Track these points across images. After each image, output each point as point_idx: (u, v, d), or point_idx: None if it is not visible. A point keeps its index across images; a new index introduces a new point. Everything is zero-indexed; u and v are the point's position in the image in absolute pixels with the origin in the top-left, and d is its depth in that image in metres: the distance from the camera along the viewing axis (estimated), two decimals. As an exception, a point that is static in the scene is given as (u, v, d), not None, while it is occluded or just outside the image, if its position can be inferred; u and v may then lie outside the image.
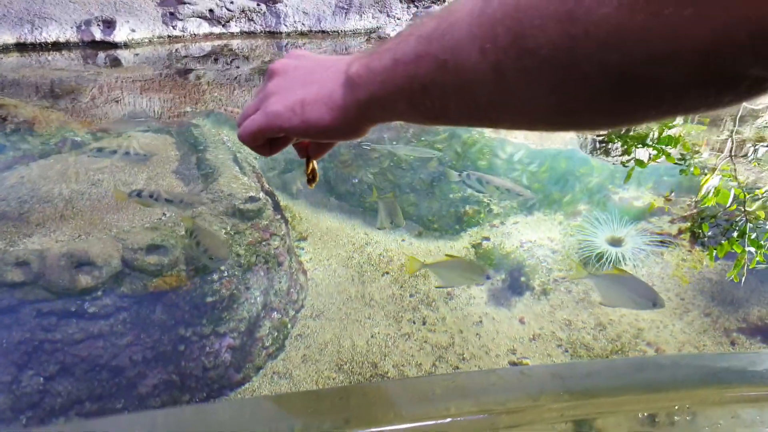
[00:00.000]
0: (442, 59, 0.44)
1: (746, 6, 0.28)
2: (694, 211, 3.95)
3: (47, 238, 2.69)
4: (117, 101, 5.95)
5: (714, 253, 3.56)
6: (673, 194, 4.19)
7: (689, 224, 3.81)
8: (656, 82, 0.34)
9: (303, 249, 3.45)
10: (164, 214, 2.89)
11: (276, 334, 2.79)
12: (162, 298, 2.47)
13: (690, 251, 3.57)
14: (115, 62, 7.04)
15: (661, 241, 3.53)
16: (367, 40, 8.01)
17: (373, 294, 3.18)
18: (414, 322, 3.05)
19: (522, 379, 1.08)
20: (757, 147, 5.05)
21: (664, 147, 4.86)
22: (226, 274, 2.65)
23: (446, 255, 3.17)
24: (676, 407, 1.04)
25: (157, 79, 6.57)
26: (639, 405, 1.05)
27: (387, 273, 3.35)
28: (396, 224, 3.09)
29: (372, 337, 2.93)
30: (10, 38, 6.87)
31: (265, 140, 0.65)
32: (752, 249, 3.49)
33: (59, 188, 3.22)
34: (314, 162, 0.78)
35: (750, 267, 3.35)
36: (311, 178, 0.80)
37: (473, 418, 0.93)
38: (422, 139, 4.69)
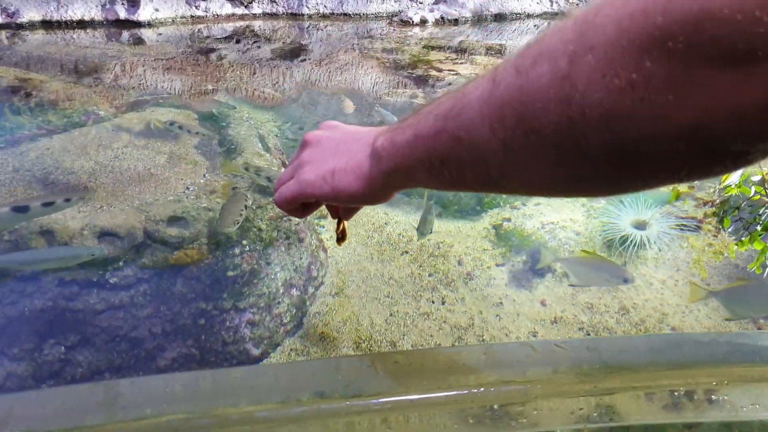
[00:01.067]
0: (457, 135, 0.48)
1: (725, 91, 0.31)
2: (718, 199, 3.84)
3: (71, 209, 2.71)
4: (140, 78, 5.97)
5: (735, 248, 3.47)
6: (696, 183, 4.09)
7: (714, 209, 3.71)
8: (649, 158, 0.37)
9: (323, 227, 3.43)
10: (187, 188, 2.89)
11: (295, 310, 2.78)
12: (183, 271, 2.48)
13: (716, 236, 3.48)
14: (139, 41, 7.07)
15: (686, 225, 3.44)
16: (389, 23, 7.92)
17: (392, 273, 3.16)
18: (433, 302, 3.02)
19: (557, 352, 1.05)
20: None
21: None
22: (247, 248, 2.64)
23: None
24: (714, 383, 1.00)
25: (180, 58, 6.58)
26: (677, 381, 1.01)
27: (406, 252, 3.32)
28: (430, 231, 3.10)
29: (391, 315, 2.91)
30: (36, 15, 6.93)
31: (299, 205, 0.71)
32: None
33: (82, 161, 3.24)
34: (345, 222, 0.83)
35: None
36: (341, 237, 0.85)
37: (506, 389, 0.90)
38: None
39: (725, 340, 1.16)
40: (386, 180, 0.61)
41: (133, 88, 5.41)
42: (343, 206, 0.82)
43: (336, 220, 0.83)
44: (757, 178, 4.20)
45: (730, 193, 4.01)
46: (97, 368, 2.32)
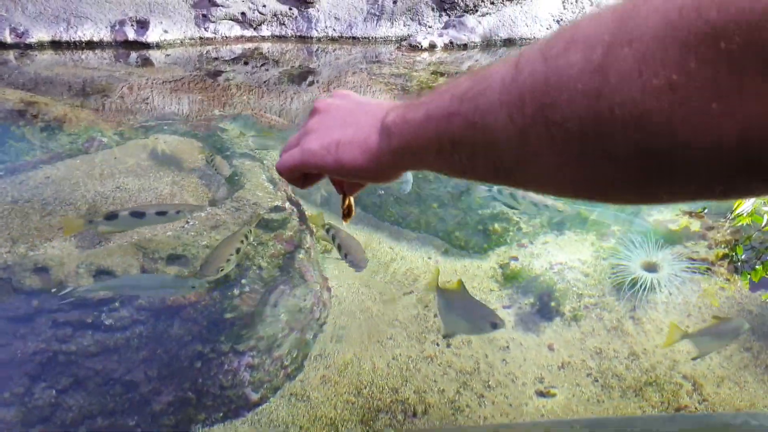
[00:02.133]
0: (472, 119, 0.45)
1: None
2: (731, 237, 3.77)
3: (68, 243, 2.65)
4: (146, 102, 5.96)
5: (749, 278, 3.39)
6: (706, 211, 4.02)
7: (727, 251, 3.63)
8: (681, 168, 0.34)
9: (326, 263, 3.36)
10: (187, 222, 2.83)
11: (296, 353, 2.71)
12: (180, 312, 2.41)
13: (728, 279, 3.39)
14: (147, 62, 7.08)
15: (698, 268, 3.35)
16: (398, 47, 7.93)
17: (397, 314, 3.08)
18: (438, 345, 2.93)
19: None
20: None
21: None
22: (247, 288, 2.57)
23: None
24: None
25: (187, 80, 6.58)
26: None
27: (411, 292, 3.24)
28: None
29: (393, 359, 2.83)
30: (45, 36, 6.96)
31: (301, 174, 0.68)
32: None
33: (83, 190, 3.19)
34: (350, 198, 0.79)
35: None
36: (346, 213, 0.81)
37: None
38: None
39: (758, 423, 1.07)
40: (394, 158, 0.57)
41: (140, 111, 5.39)
42: (348, 184, 0.77)
43: (341, 196, 0.78)
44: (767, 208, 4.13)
45: (741, 222, 3.95)
46: (89, 413, 2.25)
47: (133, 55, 7.21)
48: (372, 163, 0.59)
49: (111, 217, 2.37)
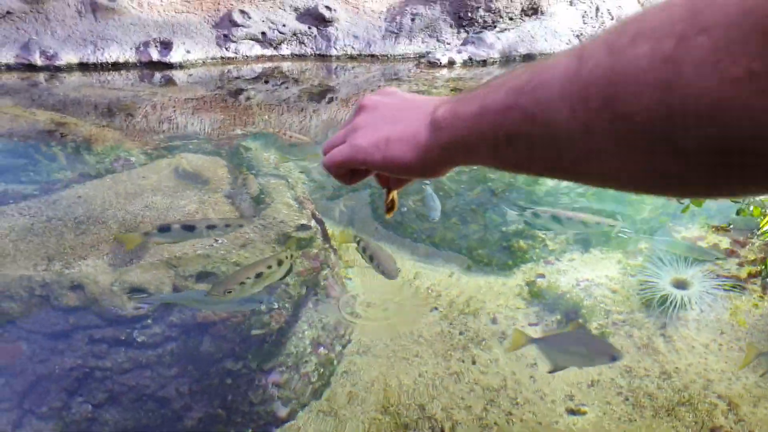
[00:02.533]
0: (531, 113, 0.44)
1: None
2: (762, 254, 3.71)
3: (101, 261, 2.70)
4: (169, 120, 6.08)
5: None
6: (731, 227, 3.98)
7: (759, 268, 3.58)
8: (758, 161, 0.32)
9: (350, 279, 3.37)
10: (216, 241, 2.87)
11: (322, 370, 2.71)
12: (210, 329, 2.43)
13: (762, 296, 3.34)
14: (170, 82, 7.22)
15: (732, 286, 3.31)
16: (416, 64, 7.99)
17: (422, 330, 3.08)
18: (464, 362, 2.92)
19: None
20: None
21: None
22: (276, 306, 2.59)
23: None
24: None
25: (209, 99, 6.70)
26: None
27: (436, 308, 3.24)
28: None
29: (420, 376, 2.82)
30: (73, 58, 7.14)
31: (348, 170, 0.68)
32: None
33: (113, 209, 3.25)
34: (394, 192, 0.80)
35: None
36: (390, 207, 0.81)
37: None
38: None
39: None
40: (443, 153, 0.57)
41: (164, 131, 5.49)
42: (391, 180, 0.77)
43: (385, 190, 0.79)
44: None
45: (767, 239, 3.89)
46: (124, 427, 2.27)
47: (157, 75, 7.36)
48: (421, 159, 0.58)
49: (164, 229, 2.45)
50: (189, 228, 2.45)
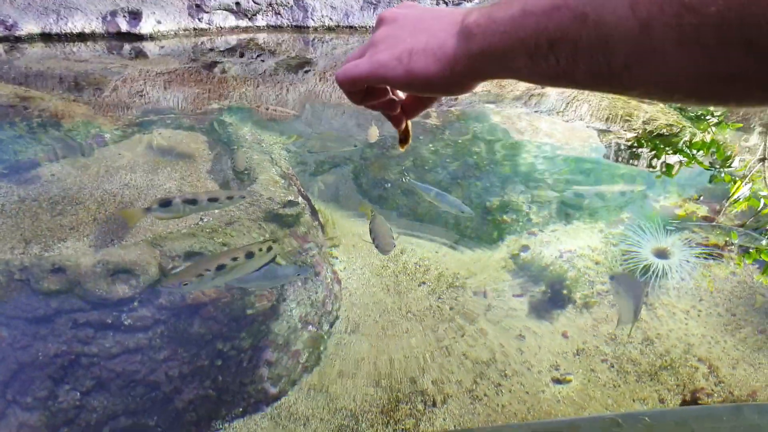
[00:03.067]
0: (582, 12, 0.40)
1: None
2: (738, 222, 3.80)
3: (81, 243, 2.62)
4: (141, 95, 5.88)
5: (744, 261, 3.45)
6: (701, 198, 4.07)
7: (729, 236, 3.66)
8: None
9: (336, 257, 3.35)
10: (201, 219, 2.81)
11: (312, 347, 2.70)
12: (200, 311, 2.39)
13: (738, 264, 3.42)
14: (141, 54, 6.97)
15: (709, 254, 3.38)
16: (393, 34, 7.85)
17: (410, 305, 3.08)
18: (453, 336, 2.94)
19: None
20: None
21: (695, 153, 4.73)
22: (263, 284, 2.56)
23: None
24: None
25: (182, 72, 6.49)
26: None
27: (424, 283, 3.24)
28: None
29: (410, 351, 2.83)
30: (35, 28, 6.83)
31: (362, 88, 0.63)
32: None
33: (90, 188, 3.15)
34: (409, 123, 0.76)
35: None
36: (403, 139, 0.77)
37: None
38: (444, 137, 4.57)
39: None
40: (472, 64, 0.52)
41: (136, 105, 5.32)
42: (409, 104, 0.72)
43: (398, 126, 0.75)
44: (765, 193, 4.19)
45: (738, 208, 4.00)
46: (113, 413, 2.24)
47: (127, 47, 7.10)
48: (448, 71, 0.53)
49: (165, 204, 2.37)
50: (191, 201, 2.40)
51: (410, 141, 0.78)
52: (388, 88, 0.68)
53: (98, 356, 2.19)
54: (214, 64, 6.84)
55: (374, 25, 0.63)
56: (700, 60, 0.35)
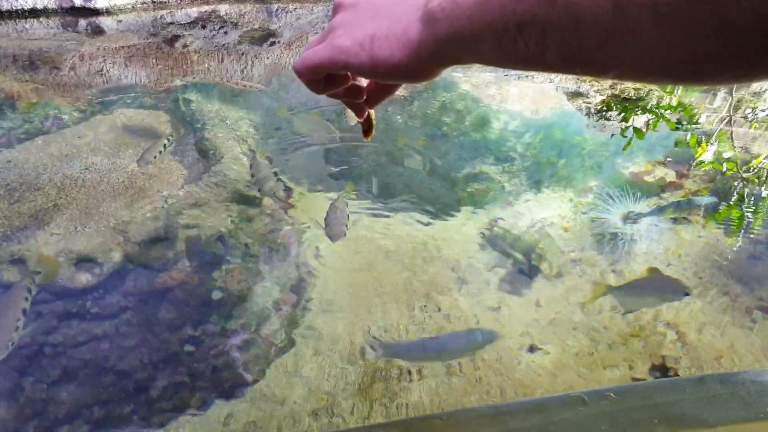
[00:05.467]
0: None
1: None
2: (705, 186, 3.87)
3: (42, 232, 2.53)
4: (101, 73, 5.67)
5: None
6: (668, 160, 4.14)
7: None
8: None
9: (308, 235, 3.31)
10: (166, 202, 2.73)
11: (286, 328, 2.68)
12: (167, 295, 2.35)
13: (704, 227, 3.49)
14: (97, 30, 6.71)
15: (676, 218, 3.44)
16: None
17: (384, 282, 3.07)
18: (427, 310, 2.95)
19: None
20: (755, 110, 5.00)
21: (662, 113, 4.79)
22: (233, 266, 2.52)
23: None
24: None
25: (143, 47, 6.27)
26: None
27: (397, 258, 3.23)
28: None
29: (384, 327, 2.84)
30: (-17, 5, 6.50)
31: (323, 76, 0.60)
32: (749, 214, 3.48)
33: (49, 173, 3.04)
34: (371, 112, 0.72)
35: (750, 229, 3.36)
36: (367, 129, 0.74)
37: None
38: (411, 106, 4.53)
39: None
40: (439, 50, 0.49)
41: (96, 84, 5.13)
42: (370, 91, 0.69)
43: (360, 115, 0.71)
44: (728, 154, 4.28)
45: (704, 168, 4.09)
46: (84, 404, 2.19)
47: (82, 22, 6.82)
48: (413, 57, 0.51)
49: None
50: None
51: (374, 131, 0.74)
52: (350, 74, 0.65)
53: (63, 345, 2.14)
54: (176, 38, 6.61)
55: (332, 9, 0.60)
56: (675, 39, 0.34)
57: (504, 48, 0.44)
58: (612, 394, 0.99)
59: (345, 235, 2.62)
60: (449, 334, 2.56)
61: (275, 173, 2.58)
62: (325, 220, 2.64)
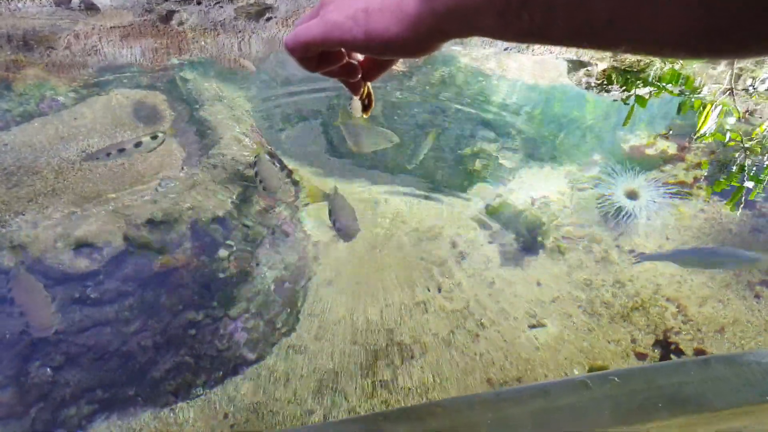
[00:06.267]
0: None
1: None
2: (706, 158, 3.83)
3: (41, 216, 2.52)
4: (96, 52, 5.60)
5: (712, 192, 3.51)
6: (671, 132, 4.10)
7: (703, 172, 3.69)
8: None
9: (308, 215, 3.29)
10: (160, 185, 2.71)
11: (288, 308, 2.69)
12: (168, 279, 2.34)
13: (707, 201, 3.46)
14: (91, 7, 6.59)
15: (677, 192, 3.41)
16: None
17: (385, 260, 3.07)
18: (428, 288, 2.95)
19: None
20: (756, 79, 4.94)
21: (664, 85, 4.72)
22: (234, 249, 2.51)
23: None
24: None
25: (138, 25, 6.17)
26: None
27: (398, 236, 3.22)
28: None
29: (386, 306, 2.84)
30: (-26, -16, 6.38)
31: (317, 53, 0.57)
32: (750, 184, 3.45)
33: (47, 156, 3.02)
34: (368, 85, 0.68)
35: (750, 198, 3.33)
36: (366, 105, 0.71)
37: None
38: (411, 82, 4.47)
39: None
40: (436, 23, 0.47)
41: (91, 63, 5.07)
42: (365, 67, 0.66)
43: (356, 91, 0.68)
44: (732, 120, 4.23)
45: (705, 140, 4.05)
46: (87, 387, 2.21)
47: (75, 0, 6.70)
48: (409, 31, 0.48)
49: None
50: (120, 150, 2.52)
51: (373, 105, 0.71)
52: (344, 51, 0.62)
53: (65, 332, 2.14)
54: (171, 14, 6.50)
55: None
56: (696, 11, 0.32)
57: (507, 22, 0.41)
58: (615, 378, 0.99)
59: (359, 230, 2.42)
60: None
61: (282, 168, 2.50)
62: (331, 217, 2.41)
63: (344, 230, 2.31)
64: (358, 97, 0.70)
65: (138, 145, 2.50)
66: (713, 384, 0.99)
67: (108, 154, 2.45)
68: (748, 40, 0.32)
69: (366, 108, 0.71)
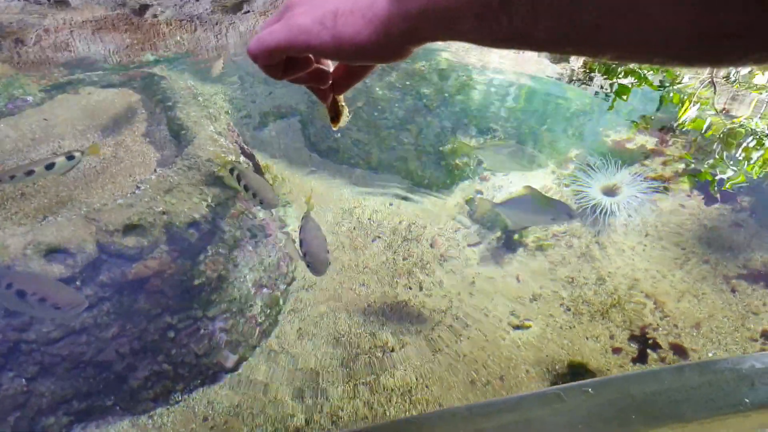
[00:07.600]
0: None
1: None
2: (686, 152, 3.87)
3: (9, 222, 2.45)
4: (68, 48, 5.47)
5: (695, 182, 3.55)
6: (652, 118, 4.14)
7: (683, 165, 3.73)
8: None
9: (288, 216, 3.26)
10: (138, 188, 2.66)
11: (269, 310, 2.66)
12: (145, 285, 2.30)
13: (689, 195, 3.49)
14: (61, 2, 6.43)
15: (655, 188, 3.44)
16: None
17: (366, 261, 3.05)
18: (410, 288, 2.94)
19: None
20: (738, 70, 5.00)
21: (645, 74, 4.76)
22: (210, 252, 2.47)
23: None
24: None
25: (111, 19, 6.04)
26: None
27: (378, 237, 3.21)
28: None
29: (368, 306, 2.83)
30: (-61, -23, 6.18)
31: (282, 60, 0.53)
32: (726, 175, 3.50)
33: (16, 159, 2.94)
34: (339, 98, 0.65)
35: (727, 188, 3.38)
36: (335, 117, 0.67)
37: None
38: (392, 78, 4.44)
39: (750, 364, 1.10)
40: (409, 25, 0.44)
41: (62, 60, 4.95)
42: (339, 76, 0.62)
43: (326, 100, 0.65)
44: (710, 112, 4.27)
45: (687, 127, 4.09)
46: (63, 397, 2.17)
47: (45, -7, 6.53)
48: (381, 35, 0.45)
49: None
50: (28, 173, 2.33)
51: (344, 116, 0.67)
52: (312, 57, 0.58)
53: (36, 342, 2.09)
54: (145, 7, 6.37)
55: None
56: (693, 15, 0.30)
57: (485, 24, 0.39)
58: (590, 389, 0.99)
59: (330, 264, 2.23)
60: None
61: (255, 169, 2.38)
62: (301, 246, 2.22)
63: (313, 265, 2.15)
64: (326, 105, 0.66)
65: (50, 167, 2.32)
66: (687, 393, 0.99)
67: (12, 177, 2.29)
68: (753, 46, 0.30)
69: (334, 119, 0.67)
